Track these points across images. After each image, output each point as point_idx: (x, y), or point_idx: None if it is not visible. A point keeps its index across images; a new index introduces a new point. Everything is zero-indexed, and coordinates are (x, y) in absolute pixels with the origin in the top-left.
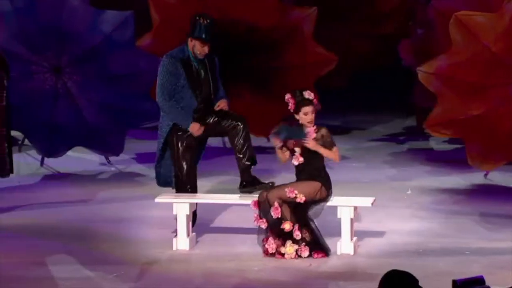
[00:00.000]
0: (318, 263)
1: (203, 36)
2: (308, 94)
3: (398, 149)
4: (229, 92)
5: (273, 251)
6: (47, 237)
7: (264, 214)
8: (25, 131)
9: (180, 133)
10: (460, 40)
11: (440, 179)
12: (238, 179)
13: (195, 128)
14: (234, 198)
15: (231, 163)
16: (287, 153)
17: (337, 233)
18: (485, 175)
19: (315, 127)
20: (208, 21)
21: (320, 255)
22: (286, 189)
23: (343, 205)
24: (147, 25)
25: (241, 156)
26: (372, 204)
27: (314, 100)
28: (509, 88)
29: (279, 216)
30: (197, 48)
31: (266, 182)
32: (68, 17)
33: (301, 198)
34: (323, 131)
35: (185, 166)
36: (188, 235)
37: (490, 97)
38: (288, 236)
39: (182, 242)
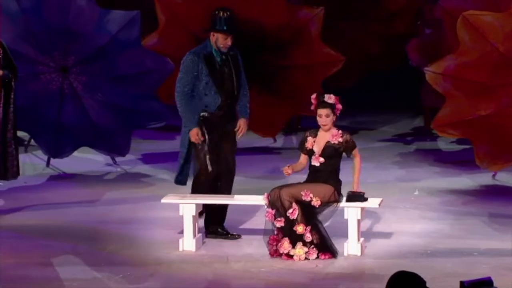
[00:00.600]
0: (325, 264)
1: (225, 28)
2: (328, 98)
3: (406, 149)
4: None
5: (284, 252)
6: (54, 237)
7: (278, 213)
8: (31, 131)
9: (207, 131)
10: (468, 40)
11: (448, 180)
12: (244, 180)
13: (193, 133)
14: (240, 199)
15: (238, 163)
16: (304, 162)
17: (344, 234)
18: (494, 175)
19: (340, 131)
20: (228, 13)
21: (327, 256)
22: (301, 192)
23: (350, 206)
24: (154, 24)
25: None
26: (379, 205)
27: (337, 105)
28: None
29: (295, 218)
30: (220, 41)
31: (235, 234)
32: (75, 17)
33: (316, 202)
34: (347, 136)
35: (209, 167)
36: (194, 236)
37: (499, 97)
38: (299, 238)
39: (188, 243)
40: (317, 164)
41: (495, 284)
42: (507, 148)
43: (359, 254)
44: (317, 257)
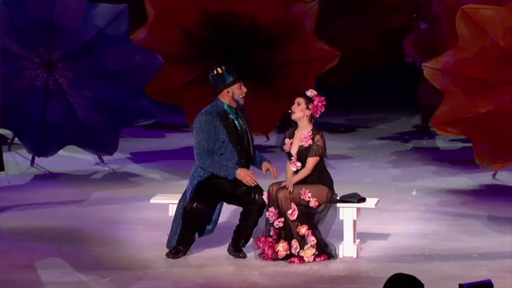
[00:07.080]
0: (320, 267)
1: (236, 77)
2: (309, 92)
3: (403, 148)
4: None
5: (281, 255)
6: (39, 239)
7: (279, 213)
8: (15, 129)
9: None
10: (467, 35)
11: (447, 179)
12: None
13: (242, 173)
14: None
15: None
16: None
17: (340, 235)
18: (494, 175)
19: (310, 133)
20: (227, 65)
21: (322, 258)
22: (300, 191)
23: (346, 206)
24: (142, 19)
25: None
26: (375, 205)
27: (315, 102)
28: None
29: (294, 219)
30: (237, 93)
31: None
32: (61, 11)
33: (314, 202)
34: (317, 138)
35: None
36: None
37: (499, 94)
38: (303, 239)
39: None
40: (295, 169)
41: (495, 287)
42: (508, 146)
43: (354, 256)
44: (313, 260)
